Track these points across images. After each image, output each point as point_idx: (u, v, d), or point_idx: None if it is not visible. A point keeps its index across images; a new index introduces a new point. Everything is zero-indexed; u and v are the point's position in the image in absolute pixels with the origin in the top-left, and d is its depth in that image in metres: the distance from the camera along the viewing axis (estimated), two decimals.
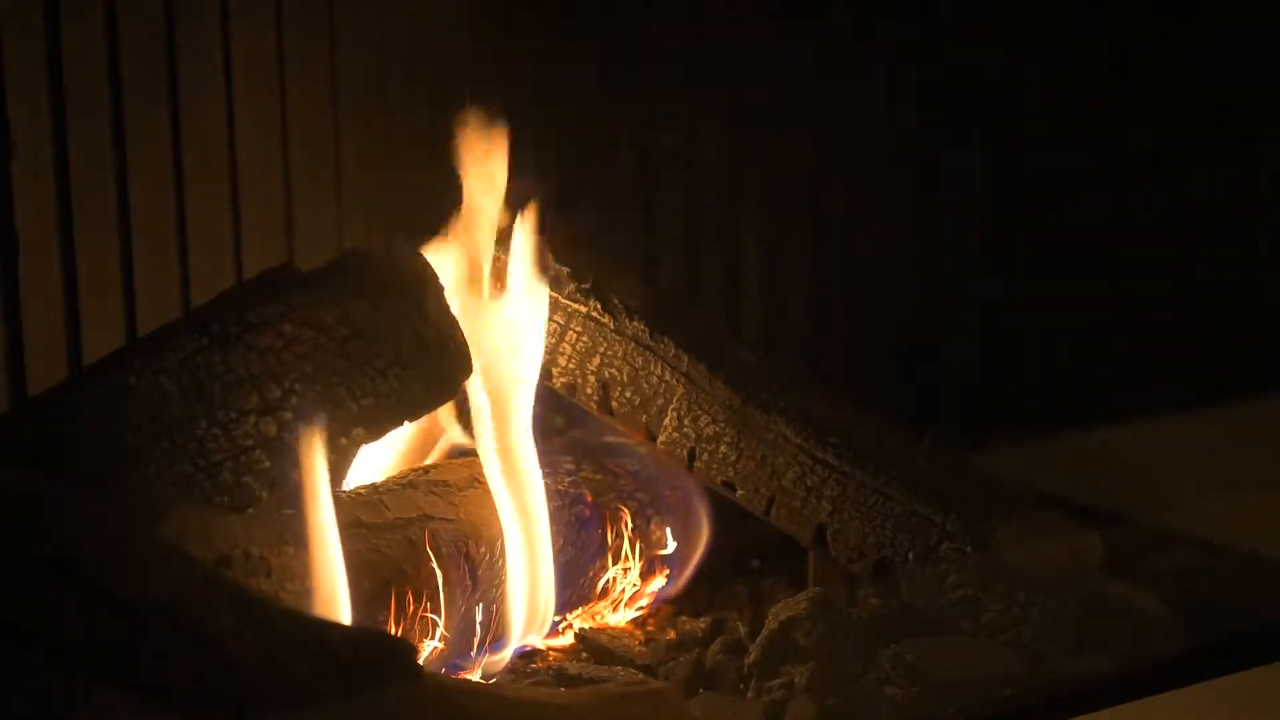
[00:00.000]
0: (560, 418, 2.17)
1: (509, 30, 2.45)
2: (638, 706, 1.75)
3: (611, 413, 2.11)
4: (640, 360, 2.09)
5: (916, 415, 2.58)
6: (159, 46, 2.21)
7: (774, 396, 2.07)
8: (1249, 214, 3.07)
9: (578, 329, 2.10)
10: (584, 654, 2.00)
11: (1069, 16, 2.85)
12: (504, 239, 2.04)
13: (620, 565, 2.08)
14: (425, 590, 1.87)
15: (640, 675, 1.92)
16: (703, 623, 2.06)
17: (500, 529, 1.96)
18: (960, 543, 2.02)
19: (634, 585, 2.10)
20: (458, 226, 2.02)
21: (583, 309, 2.10)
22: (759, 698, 1.90)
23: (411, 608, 1.86)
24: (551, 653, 2.00)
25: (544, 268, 2.05)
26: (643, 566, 2.10)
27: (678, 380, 2.08)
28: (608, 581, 2.08)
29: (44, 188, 2.16)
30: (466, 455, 2.05)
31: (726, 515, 2.12)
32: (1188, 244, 3.02)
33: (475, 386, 1.97)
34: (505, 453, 1.97)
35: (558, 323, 2.10)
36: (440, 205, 2.03)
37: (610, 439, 2.14)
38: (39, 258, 2.17)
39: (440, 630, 1.88)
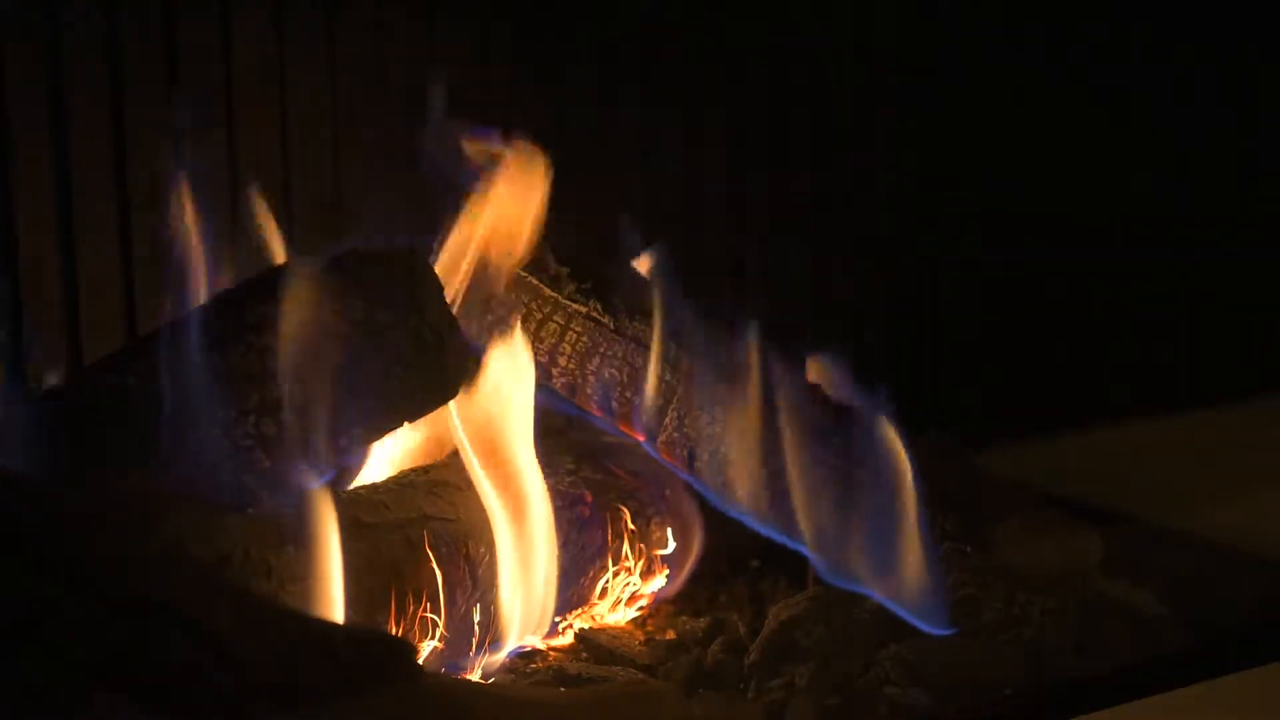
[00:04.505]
0: (560, 418, 2.16)
1: (509, 31, 2.45)
2: (638, 706, 1.75)
3: (611, 413, 2.11)
4: (640, 360, 2.09)
5: (917, 415, 2.58)
6: (159, 47, 2.21)
7: (774, 396, 2.07)
8: (1249, 213, 3.08)
9: (578, 329, 2.10)
10: (584, 654, 2.00)
11: (1069, 18, 2.86)
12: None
13: (620, 565, 2.08)
14: (425, 590, 1.87)
15: (640, 675, 1.92)
16: (703, 623, 2.06)
17: (497, 530, 1.96)
18: (960, 543, 2.02)
19: (634, 585, 2.10)
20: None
21: (583, 309, 2.10)
22: (759, 698, 1.90)
23: (411, 608, 1.86)
24: (551, 653, 2.00)
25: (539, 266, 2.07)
26: (642, 566, 2.10)
27: (678, 380, 2.08)
28: (608, 581, 2.08)
29: (44, 188, 2.17)
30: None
31: (726, 515, 2.12)
32: (1187, 243, 3.02)
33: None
34: (501, 453, 1.97)
35: (558, 323, 2.10)
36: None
37: (610, 439, 2.14)
38: (39, 258, 2.17)
39: (440, 630, 1.88)
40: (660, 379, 2.08)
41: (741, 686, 1.93)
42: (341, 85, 2.34)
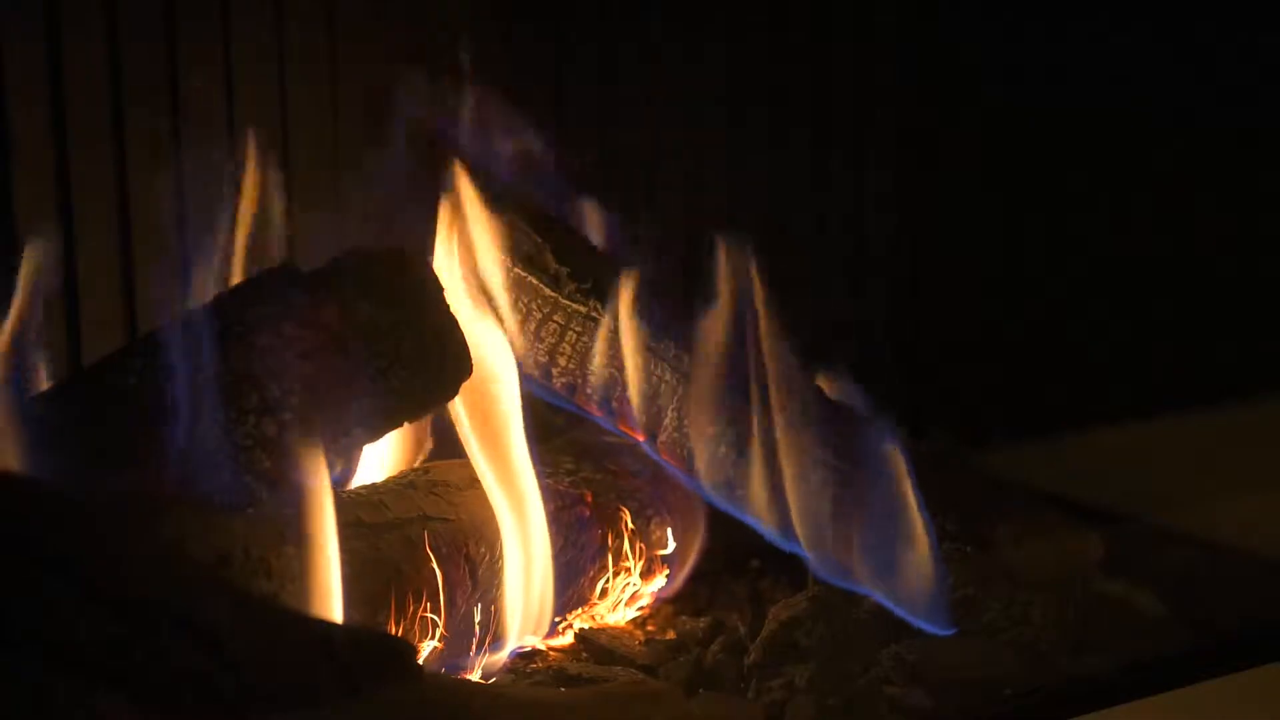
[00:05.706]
0: (560, 418, 2.17)
1: (508, 30, 2.45)
2: (638, 706, 1.75)
3: (612, 413, 2.11)
4: (640, 360, 2.09)
5: (917, 415, 2.58)
6: (159, 47, 2.21)
7: (773, 396, 2.07)
8: (1249, 212, 3.07)
9: (578, 329, 2.10)
10: (584, 654, 2.00)
11: (1068, 18, 2.86)
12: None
13: (620, 565, 2.08)
14: (425, 590, 1.87)
15: (640, 675, 1.92)
16: (703, 623, 2.06)
17: (500, 529, 1.96)
18: (960, 542, 2.02)
19: (634, 585, 2.10)
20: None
21: (582, 309, 2.10)
22: (759, 698, 1.90)
23: (411, 608, 1.86)
24: (551, 653, 2.00)
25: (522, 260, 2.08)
26: (642, 566, 2.10)
27: (678, 380, 2.08)
28: (608, 581, 2.08)
29: (44, 187, 2.16)
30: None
31: (726, 515, 2.12)
32: (1188, 243, 3.02)
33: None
34: (497, 453, 1.97)
35: (558, 323, 2.10)
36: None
37: (610, 439, 2.14)
38: (39, 258, 2.17)
39: (440, 630, 1.88)
40: (660, 379, 2.08)
41: (741, 686, 1.93)
42: (342, 85, 2.34)
